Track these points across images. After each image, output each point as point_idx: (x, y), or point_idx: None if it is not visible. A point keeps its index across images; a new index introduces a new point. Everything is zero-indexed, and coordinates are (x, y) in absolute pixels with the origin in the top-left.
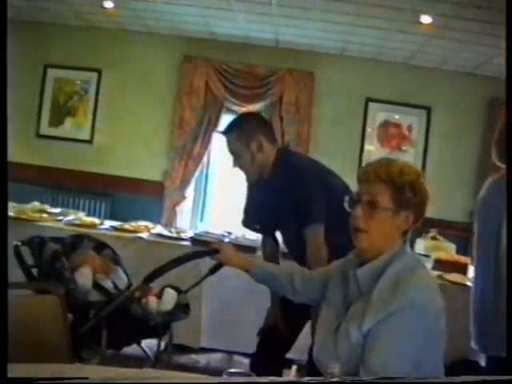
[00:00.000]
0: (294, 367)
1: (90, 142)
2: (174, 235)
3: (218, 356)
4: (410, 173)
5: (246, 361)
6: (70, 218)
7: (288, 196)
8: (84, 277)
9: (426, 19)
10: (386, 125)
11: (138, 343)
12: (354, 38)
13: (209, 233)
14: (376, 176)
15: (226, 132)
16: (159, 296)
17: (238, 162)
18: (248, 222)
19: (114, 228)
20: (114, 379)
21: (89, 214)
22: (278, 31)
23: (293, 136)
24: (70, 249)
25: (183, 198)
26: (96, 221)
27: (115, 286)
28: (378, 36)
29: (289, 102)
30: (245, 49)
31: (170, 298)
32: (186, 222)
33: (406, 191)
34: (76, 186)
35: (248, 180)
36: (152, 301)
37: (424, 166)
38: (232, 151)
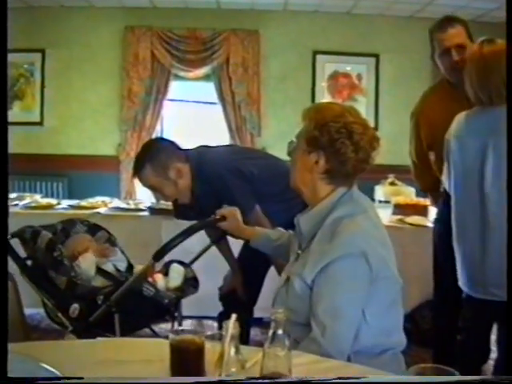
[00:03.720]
0: (233, 316)
1: (40, 123)
2: (132, 207)
3: (188, 322)
4: (324, 112)
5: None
6: (26, 201)
7: (214, 200)
8: (87, 263)
9: None
10: (335, 76)
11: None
12: None
13: None
14: (302, 117)
15: (138, 171)
16: (164, 273)
17: (161, 195)
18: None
19: (71, 206)
20: (113, 378)
21: (46, 196)
22: None
23: (243, 96)
24: (62, 235)
25: None
26: (52, 201)
27: (116, 268)
28: None
29: (236, 62)
30: (186, 13)
31: (177, 273)
32: (146, 193)
33: (312, 129)
34: (31, 169)
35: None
36: (159, 279)
37: (377, 114)
38: (151, 187)
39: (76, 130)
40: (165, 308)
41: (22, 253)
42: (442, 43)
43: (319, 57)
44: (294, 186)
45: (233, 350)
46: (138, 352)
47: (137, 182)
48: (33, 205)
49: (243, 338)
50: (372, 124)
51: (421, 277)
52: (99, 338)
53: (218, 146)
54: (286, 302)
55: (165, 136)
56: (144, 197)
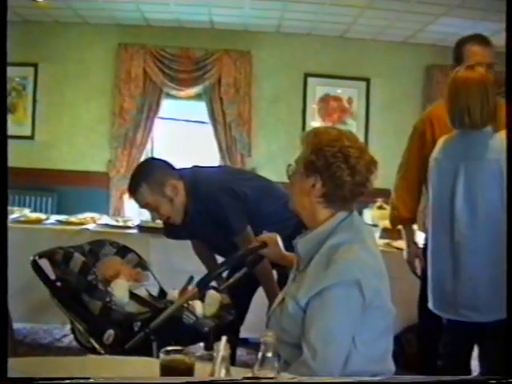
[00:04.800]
0: (224, 338)
1: (31, 137)
2: (121, 224)
3: None
4: (321, 136)
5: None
6: (15, 215)
7: (207, 219)
8: (121, 288)
9: None
10: (326, 99)
11: None
12: (288, 14)
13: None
14: (300, 141)
15: (134, 190)
16: (200, 299)
17: (157, 213)
18: (172, 236)
19: (60, 222)
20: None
21: (35, 210)
22: (212, 12)
23: (234, 116)
24: (92, 257)
25: None
26: (41, 216)
27: (149, 294)
28: (311, 10)
29: (227, 82)
30: (180, 32)
31: (214, 299)
32: (135, 211)
33: (309, 153)
34: (21, 183)
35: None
36: (198, 305)
37: (366, 137)
38: (148, 206)
39: (67, 145)
40: (203, 336)
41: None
42: (474, 57)
43: (311, 79)
44: (294, 209)
45: (223, 372)
46: (128, 370)
47: (126, 199)
48: (22, 219)
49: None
50: None
51: (406, 301)
52: (90, 356)
53: (211, 166)
54: (280, 322)
55: (155, 154)
56: (132, 214)
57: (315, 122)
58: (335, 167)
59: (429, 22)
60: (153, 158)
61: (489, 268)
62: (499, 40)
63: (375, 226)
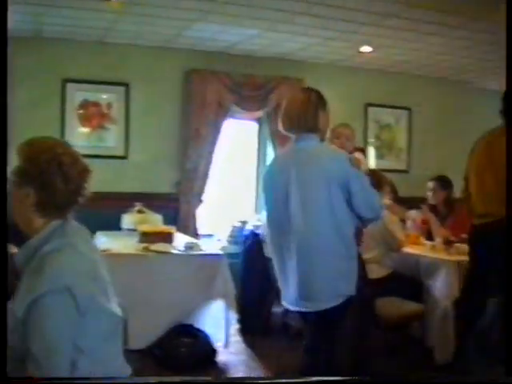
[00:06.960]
0: None
1: None
2: None
3: None
4: (34, 145)
5: None
6: None
7: None
8: None
9: None
10: (85, 104)
11: None
12: (47, 19)
13: None
14: (16, 153)
15: None
16: None
17: None
18: None
19: None
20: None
21: None
22: None
23: None
24: None
25: None
26: None
27: None
28: (69, 15)
29: None
30: None
31: None
32: None
33: (23, 162)
34: None
35: None
36: None
37: (127, 142)
38: None
39: None
40: None
41: None
42: None
43: (70, 85)
44: (11, 219)
45: None
46: None
47: None
48: None
49: None
50: (122, 152)
51: (169, 303)
52: None
53: None
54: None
55: None
56: None
57: (76, 128)
58: (48, 175)
59: (184, 27)
60: None
61: (324, 259)
62: (252, 45)
63: (134, 230)
